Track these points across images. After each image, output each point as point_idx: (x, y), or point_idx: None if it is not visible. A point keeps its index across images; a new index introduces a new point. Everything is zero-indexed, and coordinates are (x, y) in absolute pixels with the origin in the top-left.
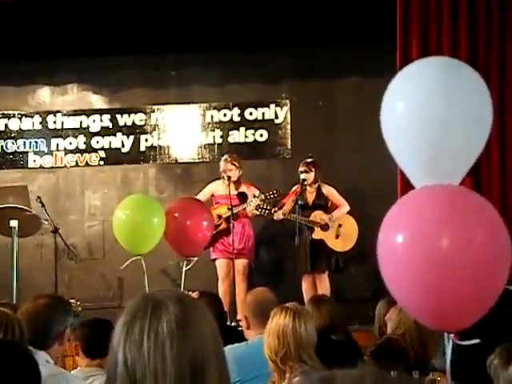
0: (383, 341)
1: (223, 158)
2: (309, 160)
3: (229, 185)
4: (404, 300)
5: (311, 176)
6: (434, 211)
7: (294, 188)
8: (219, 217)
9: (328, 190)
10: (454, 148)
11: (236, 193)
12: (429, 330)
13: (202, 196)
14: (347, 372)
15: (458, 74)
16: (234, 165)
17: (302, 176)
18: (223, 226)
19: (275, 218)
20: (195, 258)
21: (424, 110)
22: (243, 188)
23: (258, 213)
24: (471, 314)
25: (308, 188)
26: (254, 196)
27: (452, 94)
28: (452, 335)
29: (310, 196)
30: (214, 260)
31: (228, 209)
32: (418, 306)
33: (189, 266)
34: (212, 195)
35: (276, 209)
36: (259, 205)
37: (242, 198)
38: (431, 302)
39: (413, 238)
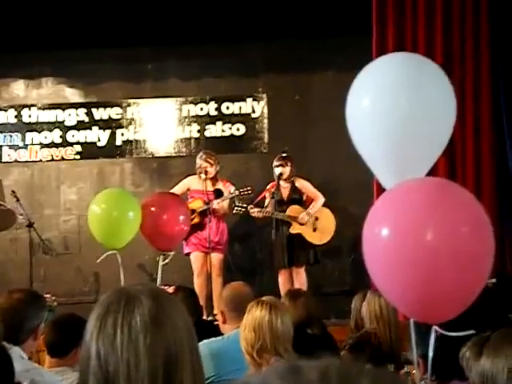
0: (360, 335)
1: (199, 156)
2: (284, 154)
3: (205, 180)
4: (388, 292)
5: (287, 170)
6: (418, 204)
7: (270, 185)
8: (193, 211)
9: (302, 184)
10: (418, 142)
11: (212, 189)
12: (401, 323)
13: (178, 190)
14: (313, 362)
15: (421, 69)
16: (209, 162)
17: (278, 170)
18: (197, 220)
19: (252, 214)
20: (172, 253)
21: (388, 105)
22: (219, 185)
23: (234, 212)
24: (454, 306)
25: (282, 183)
26: (230, 193)
27: (415, 89)
28: (436, 327)
29: (285, 191)
30: (188, 254)
31: (205, 203)
32: (402, 298)
33: (166, 261)
34: (188, 189)
35: (252, 205)
36: (234, 203)
37: (219, 194)
38: (415, 295)
39: (397, 230)
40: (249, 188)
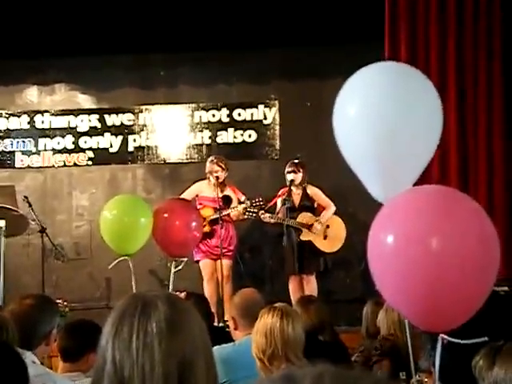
0: (382, 343)
1: (210, 159)
2: (296, 161)
3: (217, 186)
4: (394, 301)
5: (299, 177)
6: (425, 213)
7: (281, 191)
8: (203, 219)
9: (313, 191)
10: (405, 151)
11: (221, 195)
12: (415, 331)
13: (187, 196)
14: (307, 369)
15: (408, 78)
16: (221, 166)
17: (290, 176)
18: (206, 228)
19: (263, 220)
20: (184, 259)
21: (374, 113)
22: (228, 191)
23: (245, 217)
24: (460, 314)
25: (294, 190)
26: (240, 202)
27: (402, 98)
28: (444, 335)
29: (297, 198)
30: (198, 261)
31: (215, 210)
32: (408, 307)
33: (179, 267)
34: (196, 195)
35: (263, 211)
36: (246, 208)
37: (227, 200)
38: (420, 303)
39: (403, 239)
40: (261, 200)
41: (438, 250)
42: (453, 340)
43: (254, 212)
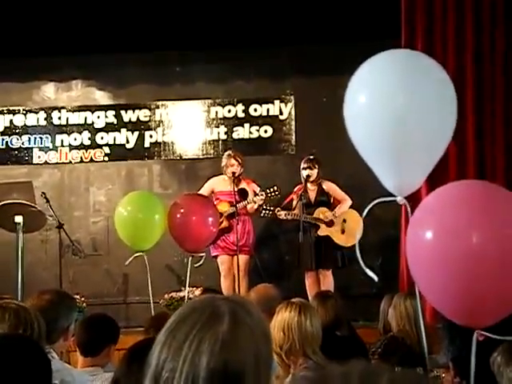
0: (387, 340)
1: (227, 153)
2: (311, 157)
3: (233, 181)
4: (432, 296)
5: (314, 173)
6: (464, 207)
7: (297, 188)
8: (220, 214)
9: (329, 186)
10: (416, 140)
11: (236, 189)
12: (430, 326)
13: (202, 192)
14: (335, 369)
15: (420, 66)
16: (237, 160)
17: (306, 172)
18: (224, 223)
19: (279, 217)
20: (203, 254)
21: (386, 102)
22: (243, 184)
23: (261, 215)
24: (499, 310)
25: (309, 185)
26: (255, 194)
27: (413, 86)
28: (481, 331)
29: (312, 193)
30: (215, 257)
31: (231, 205)
32: (447, 303)
33: (200, 263)
34: (212, 191)
35: (279, 208)
36: (261, 205)
37: (243, 194)
38: (460, 299)
39: (442, 233)
40: (275, 189)
41: (477, 245)
42: (489, 335)
43: (269, 210)
